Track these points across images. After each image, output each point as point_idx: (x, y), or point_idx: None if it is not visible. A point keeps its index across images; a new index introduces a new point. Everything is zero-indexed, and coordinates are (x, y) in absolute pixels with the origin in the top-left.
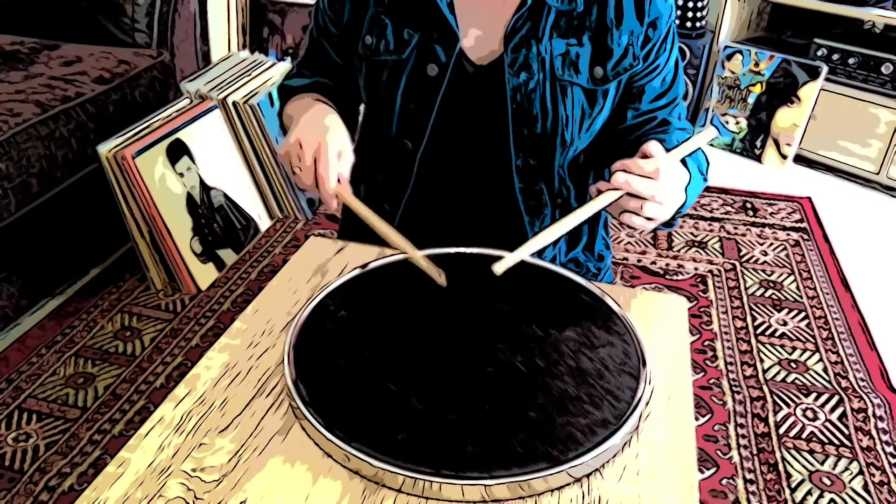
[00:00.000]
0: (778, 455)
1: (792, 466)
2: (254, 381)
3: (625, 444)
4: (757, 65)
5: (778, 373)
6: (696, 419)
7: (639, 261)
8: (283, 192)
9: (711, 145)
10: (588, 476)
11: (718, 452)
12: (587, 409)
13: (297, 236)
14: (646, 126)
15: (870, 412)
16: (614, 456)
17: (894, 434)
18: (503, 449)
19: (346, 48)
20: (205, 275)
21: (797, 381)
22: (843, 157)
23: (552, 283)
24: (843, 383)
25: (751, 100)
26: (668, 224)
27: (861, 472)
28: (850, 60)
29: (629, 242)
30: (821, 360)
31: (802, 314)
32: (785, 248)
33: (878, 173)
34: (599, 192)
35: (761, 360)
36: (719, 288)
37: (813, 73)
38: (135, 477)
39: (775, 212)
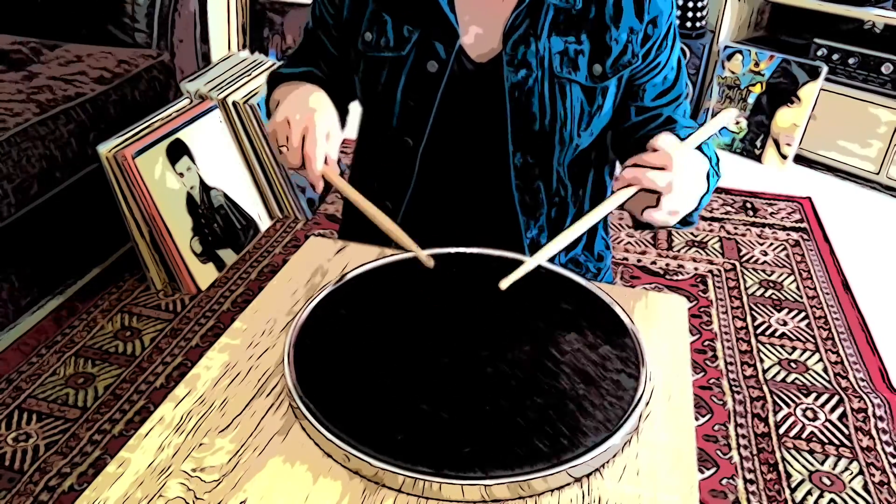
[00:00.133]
0: (778, 455)
1: (792, 466)
2: (254, 381)
3: (625, 444)
4: (757, 65)
5: (778, 373)
6: (696, 419)
7: (639, 261)
8: (283, 192)
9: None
10: (588, 476)
11: (718, 452)
12: (587, 408)
13: (297, 236)
14: (651, 124)
15: (870, 412)
16: (614, 456)
17: (894, 434)
18: (503, 449)
19: (344, 44)
20: (205, 275)
21: (797, 381)
22: (843, 157)
23: (552, 284)
24: (843, 383)
25: (751, 100)
26: (688, 223)
27: (861, 472)
28: (850, 60)
29: (629, 242)
30: (821, 360)
31: (802, 314)
32: (785, 248)
33: (878, 173)
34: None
35: (761, 360)
36: (719, 288)
37: (813, 73)
38: (135, 477)
39: (775, 212)
